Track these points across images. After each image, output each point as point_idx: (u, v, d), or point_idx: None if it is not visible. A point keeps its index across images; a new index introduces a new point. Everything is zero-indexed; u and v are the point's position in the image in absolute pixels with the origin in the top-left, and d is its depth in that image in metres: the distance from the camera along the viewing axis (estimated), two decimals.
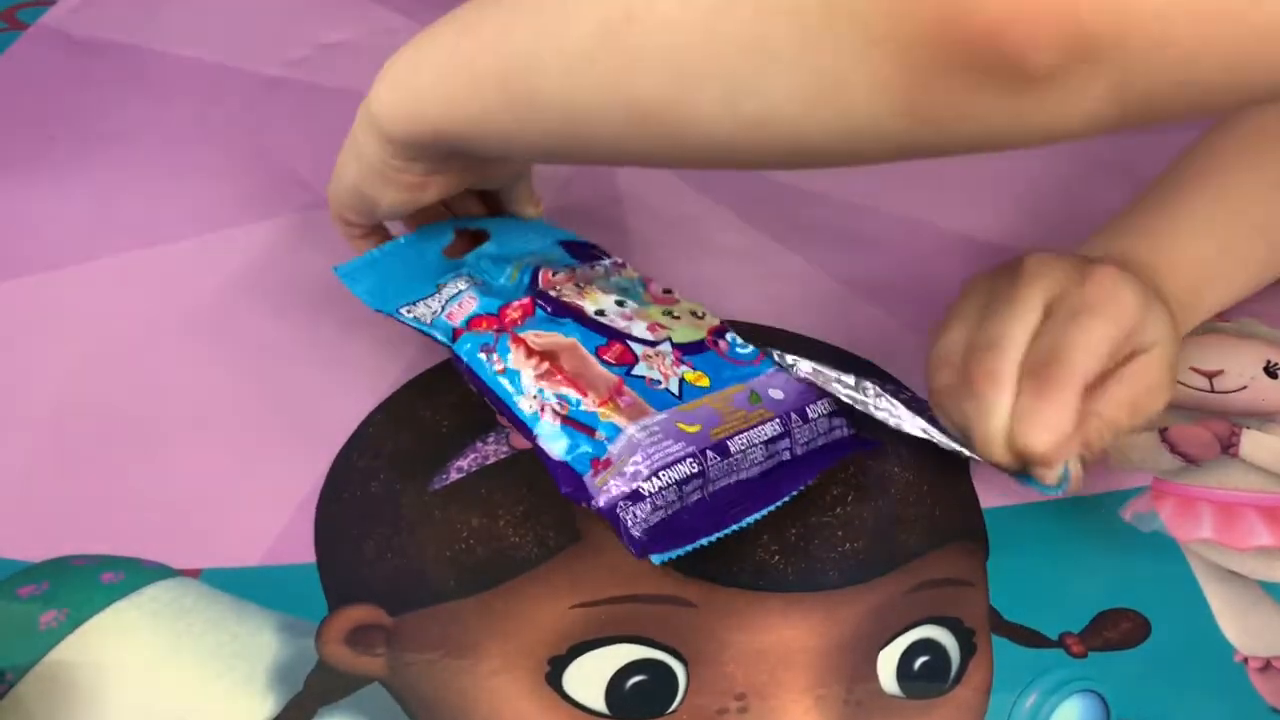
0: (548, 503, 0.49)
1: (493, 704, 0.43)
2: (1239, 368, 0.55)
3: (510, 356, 0.49)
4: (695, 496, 0.46)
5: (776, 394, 0.50)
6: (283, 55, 0.75)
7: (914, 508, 0.49)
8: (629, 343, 0.51)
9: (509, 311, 0.51)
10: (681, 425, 0.47)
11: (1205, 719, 0.44)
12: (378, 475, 0.50)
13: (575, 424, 0.47)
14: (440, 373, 0.55)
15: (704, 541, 0.44)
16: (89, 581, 0.46)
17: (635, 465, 0.45)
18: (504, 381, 0.49)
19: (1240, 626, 0.46)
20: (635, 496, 0.45)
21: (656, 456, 0.46)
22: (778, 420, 0.48)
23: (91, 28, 0.77)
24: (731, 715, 0.43)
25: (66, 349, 0.56)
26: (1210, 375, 0.55)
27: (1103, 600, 0.47)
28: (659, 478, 0.45)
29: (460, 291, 0.53)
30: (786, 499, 0.47)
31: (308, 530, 0.48)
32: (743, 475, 0.47)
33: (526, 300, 0.52)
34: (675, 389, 0.49)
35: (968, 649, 0.45)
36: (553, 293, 0.53)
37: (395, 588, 0.46)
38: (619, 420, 0.47)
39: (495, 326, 0.51)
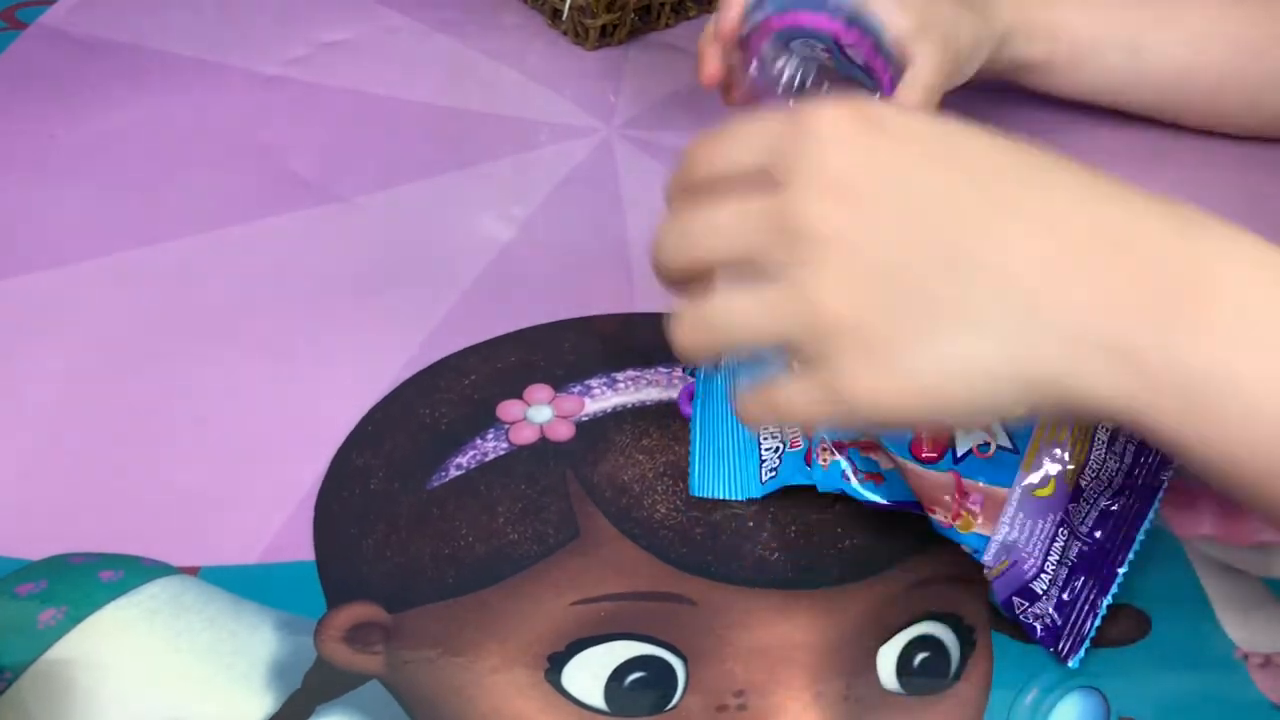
0: (546, 499, 0.49)
1: (492, 701, 0.43)
2: None
3: (880, 463, 0.46)
4: (1074, 554, 0.44)
5: None
6: (283, 55, 0.75)
7: None
8: None
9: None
10: (1038, 493, 0.43)
11: (1205, 715, 0.44)
12: (377, 473, 0.50)
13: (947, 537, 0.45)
14: (438, 371, 0.55)
15: (1106, 604, 0.43)
16: (88, 579, 0.46)
17: (1020, 567, 0.43)
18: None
19: (1240, 622, 0.46)
20: (1030, 595, 0.43)
21: (1035, 549, 0.43)
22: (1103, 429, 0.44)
23: (91, 27, 0.77)
24: (731, 712, 0.43)
25: (66, 348, 0.56)
26: None
27: None
28: (1046, 570, 0.43)
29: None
30: (1155, 506, 0.44)
31: (307, 528, 0.48)
32: (1101, 505, 0.44)
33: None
34: (1005, 441, 0.43)
35: (968, 645, 0.45)
36: None
37: (394, 585, 0.46)
38: (980, 530, 0.43)
39: (830, 449, 0.48)
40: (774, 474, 0.49)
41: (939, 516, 0.44)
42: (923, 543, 0.48)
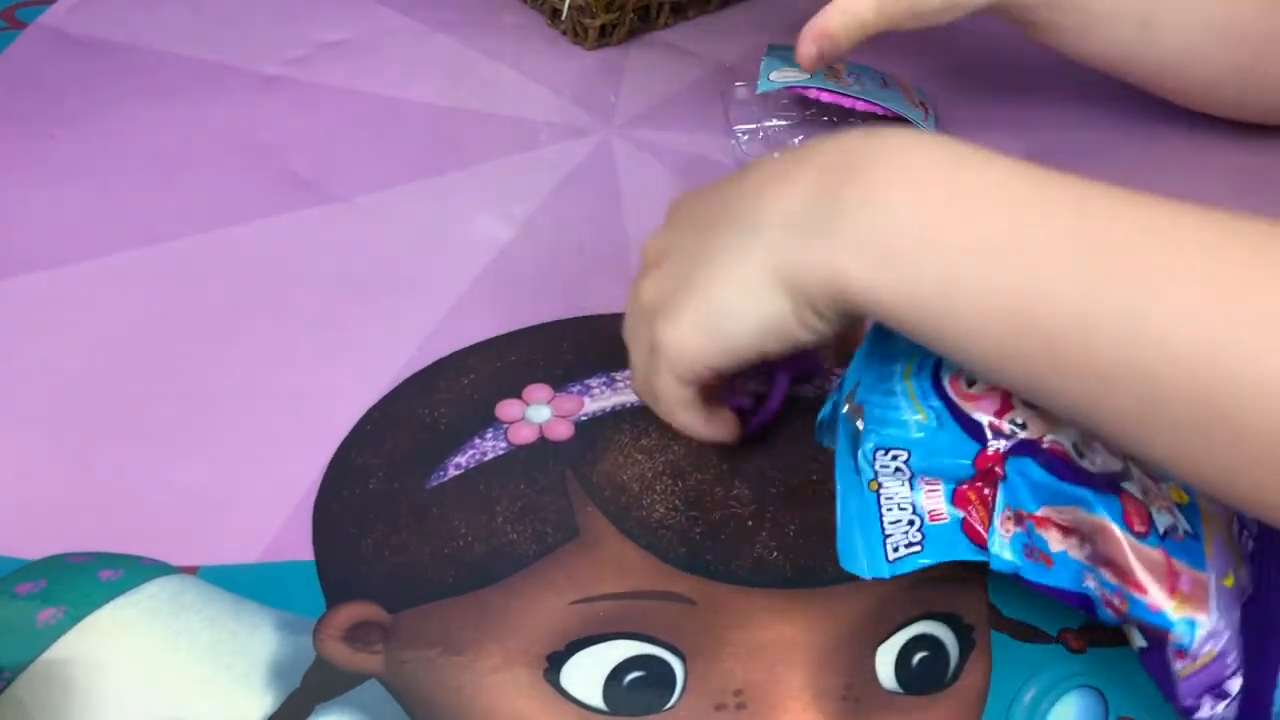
0: (546, 499, 0.49)
1: (490, 700, 0.43)
2: None
3: (1049, 543, 0.42)
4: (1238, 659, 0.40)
5: None
6: (282, 54, 0.75)
7: None
8: (1127, 487, 0.41)
9: (986, 467, 0.42)
10: (1225, 582, 0.40)
11: None
12: (376, 473, 0.50)
13: (1141, 626, 0.40)
14: (438, 371, 0.55)
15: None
16: (87, 579, 0.46)
17: (1224, 660, 0.39)
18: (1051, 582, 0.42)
19: None
20: (1222, 694, 0.39)
21: (1233, 642, 0.39)
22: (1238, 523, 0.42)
23: (91, 27, 0.77)
24: (730, 711, 0.43)
25: (66, 348, 0.56)
26: None
27: None
28: (1240, 667, 0.40)
29: (908, 477, 0.43)
30: None
31: (306, 527, 0.48)
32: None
33: (991, 454, 0.42)
34: (1187, 524, 0.41)
35: (967, 645, 0.45)
36: (1011, 426, 0.42)
37: (393, 585, 0.46)
38: (1190, 613, 0.39)
39: (1013, 518, 0.42)
40: (916, 549, 0.43)
41: (1149, 598, 0.39)
42: None
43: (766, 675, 0.44)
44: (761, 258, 0.42)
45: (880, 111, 0.65)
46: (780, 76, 0.66)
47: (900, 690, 0.44)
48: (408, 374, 0.55)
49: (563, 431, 0.52)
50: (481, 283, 0.60)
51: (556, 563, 0.47)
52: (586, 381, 0.54)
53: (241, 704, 0.43)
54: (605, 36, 0.76)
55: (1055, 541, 0.41)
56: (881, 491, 0.43)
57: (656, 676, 0.44)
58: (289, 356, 0.56)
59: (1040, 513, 0.41)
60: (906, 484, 0.43)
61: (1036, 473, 0.41)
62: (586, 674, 0.44)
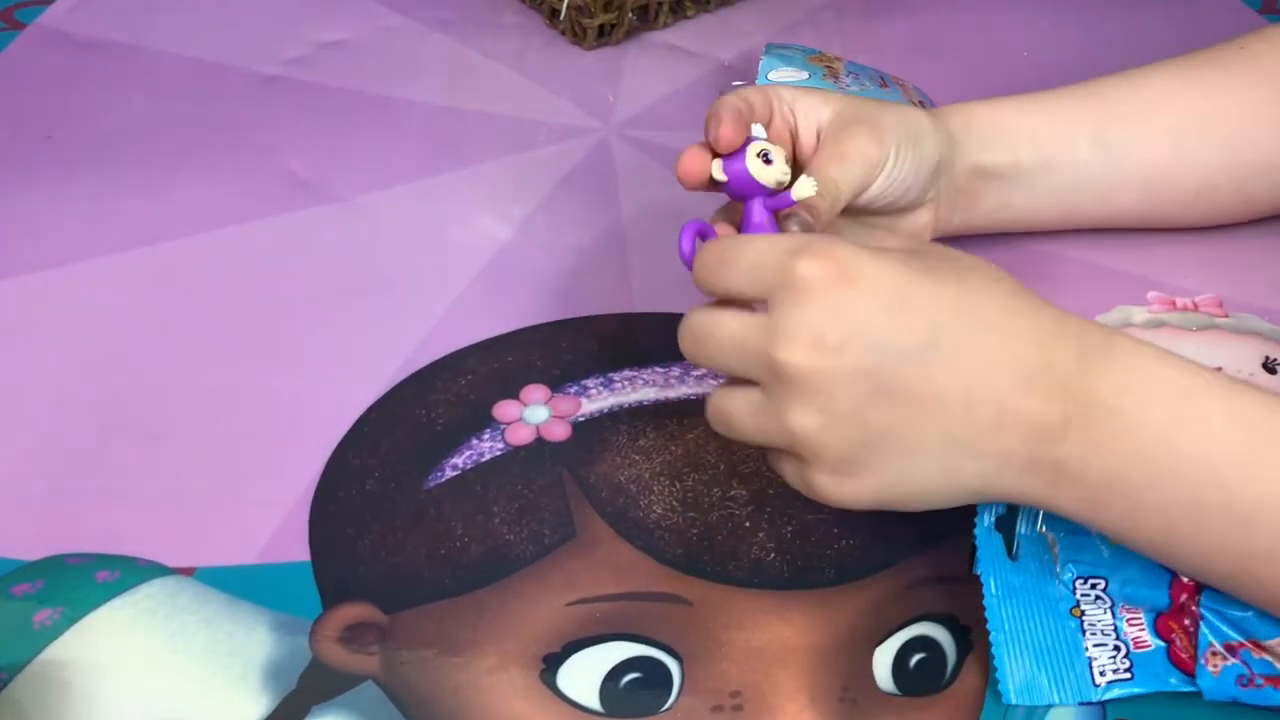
0: (543, 500, 0.49)
1: (487, 702, 0.43)
2: (1237, 364, 0.55)
3: (1276, 665, 0.42)
4: None
5: None
6: (282, 54, 0.75)
7: None
8: None
9: (1180, 599, 0.44)
10: None
11: (1202, 715, 0.43)
12: (373, 474, 0.50)
13: None
14: (435, 371, 0.55)
15: None
16: (84, 580, 0.46)
17: None
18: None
19: None
20: None
21: None
22: None
23: (90, 27, 0.77)
24: (726, 713, 0.43)
25: (65, 348, 0.56)
26: None
27: None
28: None
29: (1108, 605, 0.44)
30: None
31: (303, 529, 0.48)
32: None
33: (1186, 583, 0.43)
34: None
35: (964, 647, 0.45)
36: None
37: (390, 586, 0.46)
38: None
39: (1221, 653, 0.43)
40: (1126, 676, 0.43)
41: None
42: (919, 543, 0.48)
43: (763, 677, 0.44)
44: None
45: None
46: (779, 76, 0.66)
47: (897, 692, 0.44)
48: (405, 374, 0.55)
49: (560, 432, 0.52)
50: (479, 283, 0.60)
51: (553, 564, 0.47)
52: (584, 382, 0.54)
53: (238, 705, 0.43)
54: (604, 36, 0.76)
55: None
56: (1085, 618, 0.44)
57: (653, 678, 0.44)
58: (286, 357, 0.56)
59: (1252, 640, 0.43)
60: (1108, 611, 0.44)
61: (1234, 608, 0.42)
62: (583, 675, 0.44)
